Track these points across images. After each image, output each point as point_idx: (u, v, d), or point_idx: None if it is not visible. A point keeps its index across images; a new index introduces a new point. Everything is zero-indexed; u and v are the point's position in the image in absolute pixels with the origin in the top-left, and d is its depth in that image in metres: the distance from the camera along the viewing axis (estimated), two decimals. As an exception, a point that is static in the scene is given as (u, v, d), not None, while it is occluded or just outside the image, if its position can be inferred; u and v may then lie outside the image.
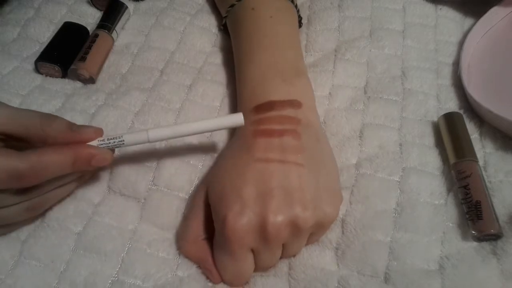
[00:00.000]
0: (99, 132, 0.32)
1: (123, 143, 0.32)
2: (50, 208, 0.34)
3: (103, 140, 0.32)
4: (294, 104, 0.35)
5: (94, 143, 0.31)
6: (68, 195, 0.35)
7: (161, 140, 0.33)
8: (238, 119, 0.32)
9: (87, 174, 0.35)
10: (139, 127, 0.39)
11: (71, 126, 0.31)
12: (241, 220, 0.29)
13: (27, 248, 0.32)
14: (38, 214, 0.33)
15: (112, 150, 0.33)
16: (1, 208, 0.29)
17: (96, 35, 0.45)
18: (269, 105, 0.35)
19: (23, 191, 0.30)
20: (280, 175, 0.31)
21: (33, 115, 0.30)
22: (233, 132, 0.38)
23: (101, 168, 0.36)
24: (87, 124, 0.39)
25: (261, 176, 0.31)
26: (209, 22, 0.49)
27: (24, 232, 0.33)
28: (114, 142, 0.32)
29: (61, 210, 0.34)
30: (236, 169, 0.32)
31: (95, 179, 0.36)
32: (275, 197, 0.30)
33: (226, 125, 0.33)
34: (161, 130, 0.32)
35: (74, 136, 0.31)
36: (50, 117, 0.31)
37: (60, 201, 0.34)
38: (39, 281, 0.31)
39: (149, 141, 0.32)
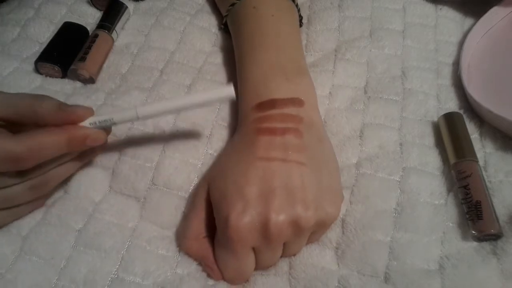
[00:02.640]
0: (88, 111, 0.32)
1: (114, 122, 0.32)
2: (52, 204, 0.34)
3: (94, 121, 0.32)
4: (296, 102, 0.35)
5: (85, 123, 0.32)
6: (74, 173, 0.35)
7: (151, 117, 0.33)
8: (229, 91, 0.31)
9: (88, 155, 0.35)
10: (138, 127, 0.39)
11: (61, 105, 0.31)
12: (243, 219, 0.29)
13: (28, 244, 0.32)
14: (43, 194, 0.33)
15: (107, 130, 0.33)
16: (4, 188, 0.30)
17: (96, 35, 0.45)
18: (271, 103, 0.35)
19: (23, 171, 0.30)
20: (283, 174, 0.31)
21: (23, 97, 0.30)
22: (234, 130, 0.38)
23: (102, 148, 0.36)
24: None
25: (264, 175, 0.31)
26: (209, 22, 0.49)
27: (25, 228, 0.33)
28: (106, 122, 0.32)
29: (62, 207, 0.34)
30: (238, 167, 0.32)
31: (96, 177, 0.36)
32: (277, 197, 0.30)
33: (217, 98, 0.32)
34: (149, 107, 0.32)
35: (64, 116, 0.30)
36: (39, 97, 0.31)
37: (61, 198, 0.35)
38: (39, 277, 0.31)
39: (138, 118, 0.32)
